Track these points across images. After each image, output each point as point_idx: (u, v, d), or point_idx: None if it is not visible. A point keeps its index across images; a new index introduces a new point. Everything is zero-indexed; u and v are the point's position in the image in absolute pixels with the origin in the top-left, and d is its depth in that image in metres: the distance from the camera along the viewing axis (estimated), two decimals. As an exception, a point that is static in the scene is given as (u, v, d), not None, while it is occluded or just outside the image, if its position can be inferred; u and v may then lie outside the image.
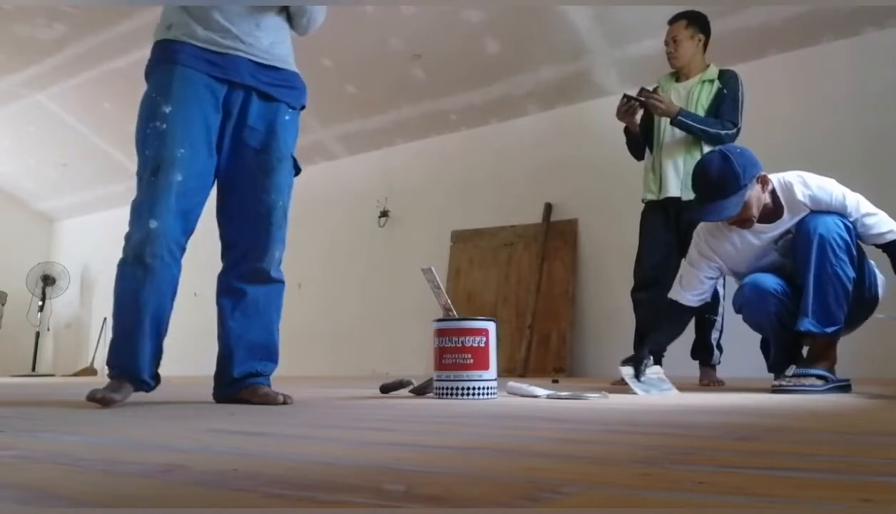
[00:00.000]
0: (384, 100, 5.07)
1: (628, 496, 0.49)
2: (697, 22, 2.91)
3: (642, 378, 2.05)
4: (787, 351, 2.16)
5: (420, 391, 2.04)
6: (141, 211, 1.59)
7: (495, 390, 1.86)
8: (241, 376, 1.71)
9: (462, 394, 1.80)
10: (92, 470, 0.63)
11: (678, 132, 2.81)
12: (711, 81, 2.87)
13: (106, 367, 1.66)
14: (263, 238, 1.72)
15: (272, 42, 1.75)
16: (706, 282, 2.19)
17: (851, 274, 1.98)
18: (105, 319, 7.23)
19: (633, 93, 2.88)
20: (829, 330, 1.95)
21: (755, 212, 2.07)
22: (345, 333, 5.56)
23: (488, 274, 4.84)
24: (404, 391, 2.14)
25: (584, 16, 3.97)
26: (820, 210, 2.04)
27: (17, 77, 5.46)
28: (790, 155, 3.85)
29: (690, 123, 2.74)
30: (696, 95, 2.85)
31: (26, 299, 7.29)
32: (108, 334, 7.92)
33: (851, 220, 2.03)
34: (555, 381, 3.38)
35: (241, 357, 1.72)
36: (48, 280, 7.31)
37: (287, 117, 1.77)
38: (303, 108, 1.85)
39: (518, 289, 4.65)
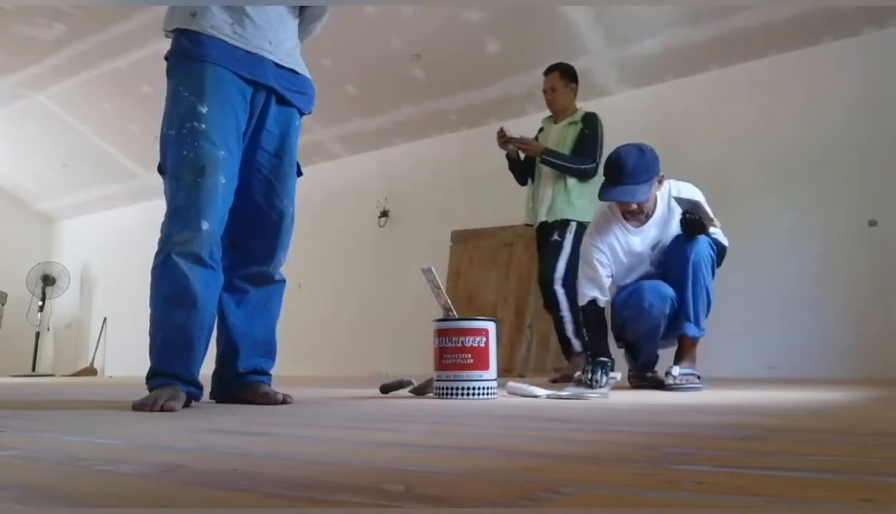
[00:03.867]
0: (384, 100, 5.07)
1: (628, 496, 0.49)
2: (569, 73, 3.42)
3: (604, 382, 2.22)
4: (656, 353, 2.48)
5: (420, 391, 2.04)
6: (188, 213, 1.51)
7: (495, 390, 1.86)
8: (245, 371, 1.71)
9: (462, 394, 1.80)
10: (92, 470, 0.63)
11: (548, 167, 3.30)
12: (576, 123, 3.32)
13: (146, 379, 1.51)
14: (272, 244, 1.72)
15: (293, 46, 1.76)
16: (608, 278, 2.43)
17: (713, 287, 2.33)
18: (105, 319, 7.24)
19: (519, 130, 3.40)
20: (702, 333, 2.32)
21: (652, 206, 2.38)
22: (345, 333, 5.55)
23: (488, 274, 4.83)
24: (404, 391, 2.14)
25: (584, 16, 3.97)
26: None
27: (17, 77, 5.46)
28: (789, 155, 3.86)
29: (553, 160, 3.25)
30: (564, 136, 3.33)
31: (26, 299, 7.29)
32: (108, 335, 7.90)
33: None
34: (553, 381, 3.38)
35: (246, 352, 1.72)
36: (48, 280, 7.31)
37: (297, 123, 1.78)
38: (309, 114, 1.85)
39: (518, 289, 4.65)
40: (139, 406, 1.38)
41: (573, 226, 3.22)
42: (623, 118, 4.42)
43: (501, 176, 5.02)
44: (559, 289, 3.16)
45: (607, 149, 2.45)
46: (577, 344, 3.20)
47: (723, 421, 1.08)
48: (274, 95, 1.70)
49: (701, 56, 4.07)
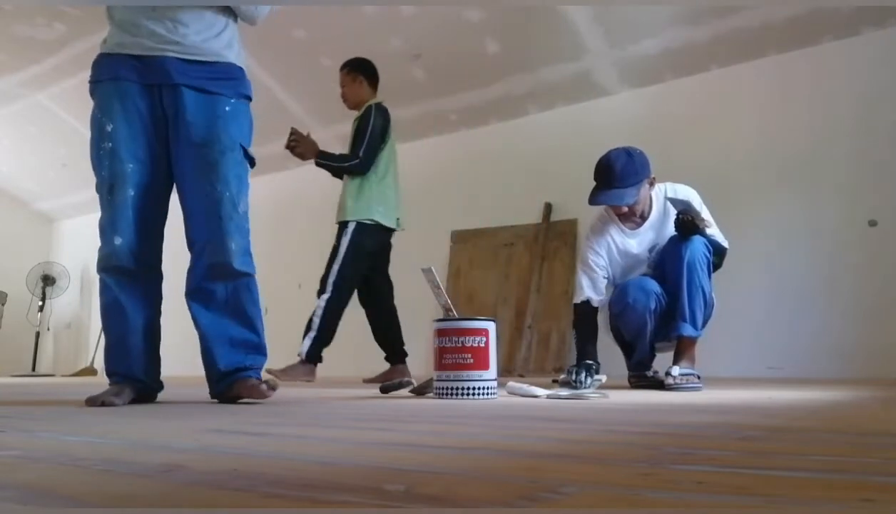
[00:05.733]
0: (384, 100, 5.06)
1: (628, 496, 0.49)
2: (358, 67, 3.41)
3: (589, 384, 2.23)
4: (651, 351, 2.48)
5: (420, 391, 2.04)
6: (105, 229, 1.68)
7: (495, 390, 1.86)
8: (228, 371, 1.72)
9: (462, 394, 1.80)
10: (92, 470, 0.63)
11: None
12: (358, 119, 3.33)
13: (107, 377, 1.74)
14: (217, 232, 1.71)
15: (204, 38, 1.75)
16: (605, 279, 2.47)
17: (709, 287, 2.34)
18: (105, 319, 7.24)
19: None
20: (699, 333, 2.33)
21: (645, 208, 2.42)
22: (345, 333, 5.54)
23: (488, 274, 4.83)
24: (404, 391, 2.14)
25: (584, 16, 3.97)
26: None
27: (17, 77, 5.46)
28: (789, 154, 3.86)
29: (322, 161, 3.28)
30: (350, 131, 3.37)
31: (26, 299, 7.29)
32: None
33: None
34: (555, 381, 3.38)
35: (223, 353, 1.72)
36: (48, 280, 7.30)
37: (228, 108, 1.75)
38: (248, 99, 1.83)
39: (518, 289, 4.65)
40: (90, 402, 1.58)
41: (350, 227, 3.24)
42: (623, 118, 4.43)
43: (501, 176, 5.05)
44: (323, 296, 3.22)
45: (605, 150, 2.44)
46: (305, 347, 3.26)
47: (723, 421, 1.08)
48: (186, 88, 1.72)
49: (701, 56, 4.07)
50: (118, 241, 1.65)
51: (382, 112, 3.31)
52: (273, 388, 1.66)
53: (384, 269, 3.45)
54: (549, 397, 1.80)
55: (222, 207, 1.70)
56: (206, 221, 1.71)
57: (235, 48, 1.82)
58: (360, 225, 3.21)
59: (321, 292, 3.25)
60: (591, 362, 2.33)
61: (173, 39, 1.71)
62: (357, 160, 3.20)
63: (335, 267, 3.22)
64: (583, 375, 2.21)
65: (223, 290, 1.73)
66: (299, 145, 3.27)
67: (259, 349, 1.77)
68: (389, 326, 3.44)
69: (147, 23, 1.71)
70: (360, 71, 3.39)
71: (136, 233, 1.67)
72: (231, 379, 1.72)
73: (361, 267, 3.29)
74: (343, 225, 3.27)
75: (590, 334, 2.43)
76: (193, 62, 1.73)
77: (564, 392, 1.86)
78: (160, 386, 1.78)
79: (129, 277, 1.69)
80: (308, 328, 3.26)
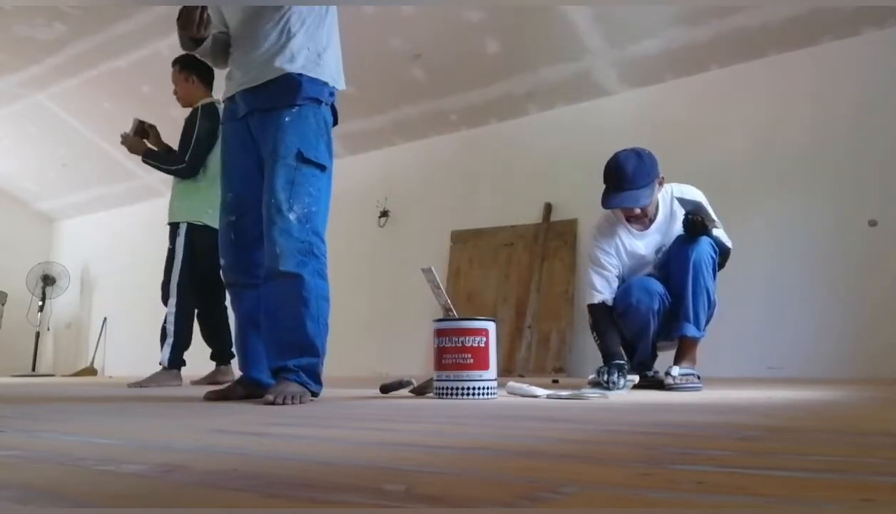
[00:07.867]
0: (384, 100, 5.07)
1: (628, 496, 0.49)
2: (188, 65, 3.21)
3: (622, 385, 2.15)
4: (653, 351, 2.47)
5: (420, 391, 2.04)
6: None
7: (495, 390, 1.86)
8: (274, 370, 1.77)
9: (462, 394, 1.80)
10: (92, 470, 0.63)
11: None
12: (187, 120, 3.25)
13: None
14: (267, 237, 1.78)
15: (267, 57, 1.83)
16: (617, 279, 2.45)
17: (713, 288, 2.34)
18: (105, 318, 7.24)
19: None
20: (701, 334, 2.32)
21: (654, 209, 2.41)
22: (344, 333, 5.54)
23: (488, 274, 4.83)
24: (404, 391, 2.14)
25: (584, 16, 3.97)
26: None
27: (17, 77, 5.46)
28: (789, 154, 3.86)
29: (150, 161, 3.24)
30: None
31: (26, 299, 7.29)
32: (108, 335, 7.90)
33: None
34: (555, 381, 3.38)
35: (272, 354, 1.78)
36: (48, 280, 7.30)
37: (287, 118, 1.81)
38: (315, 100, 1.85)
39: (518, 289, 4.65)
40: (208, 398, 1.83)
41: (182, 229, 3.20)
42: (623, 118, 4.43)
43: (501, 176, 5.05)
44: (171, 301, 3.18)
45: (608, 151, 2.43)
46: (165, 356, 3.16)
47: (723, 421, 1.08)
48: (258, 112, 1.85)
49: (701, 56, 4.07)
50: (222, 262, 1.94)
51: (210, 114, 3.16)
52: (302, 401, 1.63)
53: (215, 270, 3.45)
54: (549, 397, 1.80)
55: (269, 212, 1.77)
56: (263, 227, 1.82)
57: (302, 55, 1.84)
58: (190, 226, 3.18)
59: (166, 297, 3.21)
60: (621, 361, 2.25)
61: (241, 74, 1.89)
62: (183, 165, 3.15)
63: (175, 271, 3.18)
64: (615, 375, 2.10)
65: (273, 291, 1.77)
66: (126, 142, 3.23)
67: (305, 350, 1.75)
68: (220, 325, 3.38)
69: (232, 67, 1.93)
70: (192, 69, 3.21)
71: (236, 254, 1.90)
72: (276, 378, 1.75)
73: (204, 266, 3.21)
74: (174, 227, 3.23)
75: (613, 334, 2.37)
76: (254, 88, 1.85)
77: (564, 392, 1.86)
78: (270, 380, 1.85)
79: (235, 289, 1.93)
80: (164, 336, 3.19)
